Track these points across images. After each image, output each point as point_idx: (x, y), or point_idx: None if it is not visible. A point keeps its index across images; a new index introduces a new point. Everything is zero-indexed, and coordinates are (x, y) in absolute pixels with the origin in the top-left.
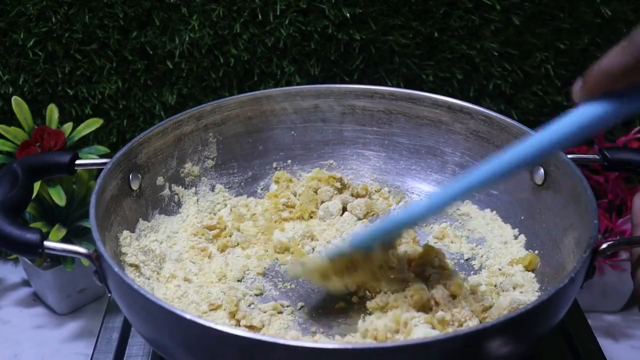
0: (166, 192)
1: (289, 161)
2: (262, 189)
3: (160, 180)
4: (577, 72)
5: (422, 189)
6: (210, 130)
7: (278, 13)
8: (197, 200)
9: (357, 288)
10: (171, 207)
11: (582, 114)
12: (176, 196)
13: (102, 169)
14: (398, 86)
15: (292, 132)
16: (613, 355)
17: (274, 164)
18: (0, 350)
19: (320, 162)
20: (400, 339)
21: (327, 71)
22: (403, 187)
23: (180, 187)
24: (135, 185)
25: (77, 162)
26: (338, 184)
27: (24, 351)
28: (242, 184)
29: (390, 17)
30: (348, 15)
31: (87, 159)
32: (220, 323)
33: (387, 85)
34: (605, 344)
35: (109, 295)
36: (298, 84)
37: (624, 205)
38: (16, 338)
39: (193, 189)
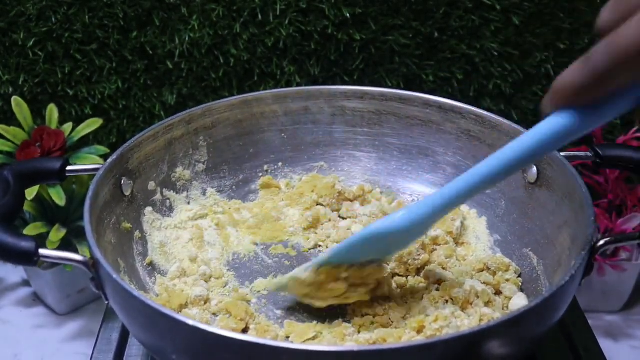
0: (158, 197)
1: (280, 164)
2: (253, 192)
3: (151, 185)
4: None
5: (414, 189)
6: (200, 133)
7: (278, 13)
8: (189, 204)
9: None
10: (163, 212)
11: (553, 124)
12: (168, 201)
13: (94, 174)
14: (398, 86)
15: (283, 135)
16: (613, 355)
17: (265, 167)
18: (0, 350)
19: (311, 164)
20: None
21: (327, 71)
22: (395, 188)
23: (172, 191)
24: (127, 191)
25: (68, 168)
26: (336, 195)
27: (24, 351)
28: (234, 187)
29: (390, 17)
30: (348, 15)
31: (79, 165)
32: (223, 328)
33: (387, 85)
34: (605, 344)
35: (106, 302)
36: (298, 84)
37: (624, 205)
38: (16, 338)
39: (185, 194)
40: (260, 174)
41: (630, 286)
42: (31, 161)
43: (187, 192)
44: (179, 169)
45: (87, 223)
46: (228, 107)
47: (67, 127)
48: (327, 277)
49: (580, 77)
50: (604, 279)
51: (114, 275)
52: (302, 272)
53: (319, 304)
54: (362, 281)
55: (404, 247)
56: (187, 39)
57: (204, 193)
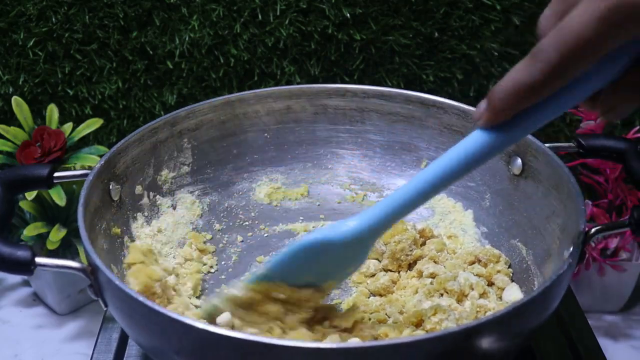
0: (145, 200)
1: (263, 164)
2: (238, 194)
3: (138, 189)
4: None
5: (398, 184)
6: (184, 136)
7: (278, 13)
8: (175, 207)
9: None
10: (150, 216)
11: (474, 143)
12: (154, 205)
13: (83, 180)
14: (398, 86)
15: (266, 135)
16: (613, 355)
17: (249, 167)
18: (0, 350)
19: (295, 163)
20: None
21: (327, 71)
22: (379, 184)
23: (158, 195)
24: (115, 196)
25: (56, 174)
26: None
27: (24, 351)
28: (219, 189)
29: (390, 17)
30: (348, 15)
31: (67, 172)
32: (232, 330)
33: (387, 85)
34: (605, 344)
35: (105, 309)
36: (298, 84)
37: (624, 205)
38: (16, 338)
39: (170, 197)
40: (245, 175)
41: (630, 286)
42: (18, 169)
43: (173, 195)
44: (165, 172)
45: (82, 230)
46: (211, 108)
47: (67, 127)
48: (262, 296)
49: (530, 76)
50: (604, 279)
51: (116, 281)
52: (238, 289)
53: (252, 330)
54: (299, 305)
55: (345, 270)
56: (187, 39)
57: (189, 195)
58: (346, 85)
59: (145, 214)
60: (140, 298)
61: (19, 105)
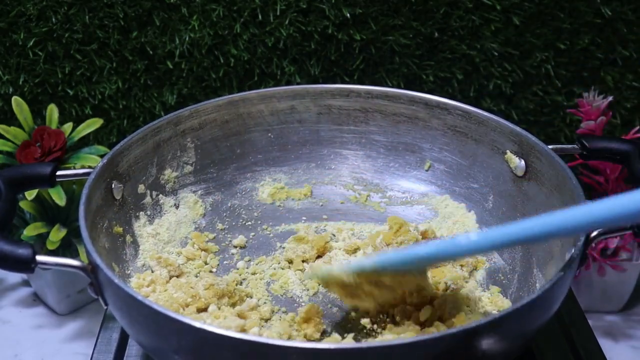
0: (147, 200)
1: (267, 163)
2: (241, 194)
3: (141, 188)
4: (577, 72)
5: (401, 185)
6: (188, 135)
7: (278, 13)
8: (178, 206)
9: (378, 310)
10: (153, 215)
11: None
12: (157, 204)
13: (85, 179)
14: (399, 86)
15: (269, 134)
16: (613, 355)
17: (253, 167)
18: (0, 350)
19: (298, 163)
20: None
21: (327, 71)
22: (382, 185)
23: (161, 194)
24: (118, 195)
25: (59, 173)
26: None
27: (24, 351)
28: (222, 188)
29: (390, 17)
30: (348, 15)
31: (69, 170)
32: (232, 330)
33: (387, 85)
34: (605, 344)
35: (105, 307)
36: (298, 84)
37: None
38: (16, 338)
39: (173, 196)
40: (248, 175)
41: (630, 286)
42: (21, 167)
43: (176, 195)
44: (168, 171)
45: (83, 229)
46: (215, 107)
47: (67, 127)
48: (366, 280)
49: None
50: (604, 279)
51: (116, 280)
52: (344, 274)
53: (351, 302)
54: (401, 286)
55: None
56: (187, 39)
57: (192, 194)
58: (350, 86)
59: (148, 213)
60: (140, 297)
61: (19, 105)
